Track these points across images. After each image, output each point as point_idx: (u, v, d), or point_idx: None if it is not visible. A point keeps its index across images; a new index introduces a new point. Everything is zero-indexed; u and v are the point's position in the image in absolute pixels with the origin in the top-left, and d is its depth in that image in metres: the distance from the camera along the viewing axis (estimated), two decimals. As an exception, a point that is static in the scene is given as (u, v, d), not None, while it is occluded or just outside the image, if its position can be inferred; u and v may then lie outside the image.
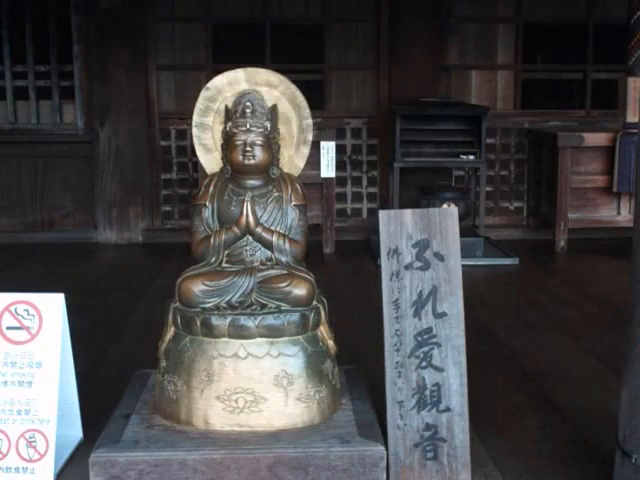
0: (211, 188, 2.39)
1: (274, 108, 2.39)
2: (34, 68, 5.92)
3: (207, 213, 2.38)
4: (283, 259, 2.35)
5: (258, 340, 2.22)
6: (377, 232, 2.14)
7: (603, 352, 3.27)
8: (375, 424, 2.25)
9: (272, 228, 2.36)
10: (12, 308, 2.19)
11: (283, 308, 2.25)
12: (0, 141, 5.88)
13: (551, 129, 5.93)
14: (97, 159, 5.86)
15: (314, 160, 5.15)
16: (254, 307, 2.26)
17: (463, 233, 2.44)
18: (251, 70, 2.42)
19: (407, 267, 2.11)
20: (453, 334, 2.12)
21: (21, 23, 5.85)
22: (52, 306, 2.20)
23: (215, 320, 2.22)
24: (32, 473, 2.15)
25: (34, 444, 2.16)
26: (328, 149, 5.29)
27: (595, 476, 2.20)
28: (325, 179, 5.38)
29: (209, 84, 2.43)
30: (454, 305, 2.12)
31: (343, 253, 5.49)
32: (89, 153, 5.89)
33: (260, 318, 2.22)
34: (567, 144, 5.39)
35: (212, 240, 2.34)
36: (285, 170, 2.45)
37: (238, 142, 2.32)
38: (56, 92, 5.96)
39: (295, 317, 2.25)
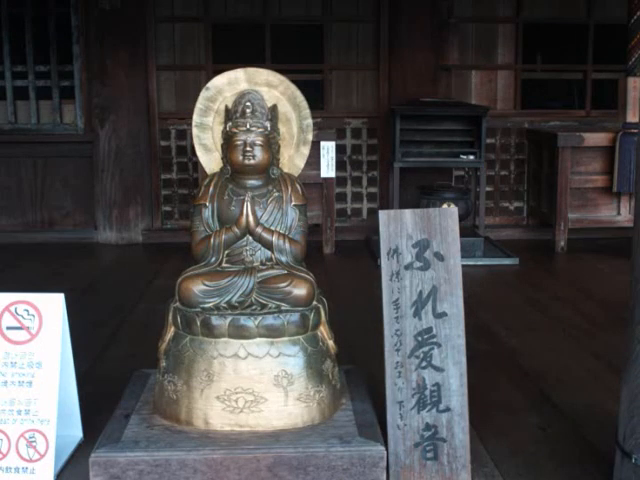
0: (211, 188, 2.39)
1: (274, 108, 2.39)
2: (34, 68, 5.92)
3: (207, 213, 2.38)
4: (283, 259, 2.35)
5: (258, 340, 2.22)
6: (377, 232, 2.14)
7: (603, 352, 3.28)
8: (375, 424, 2.24)
9: (272, 228, 2.36)
10: (12, 308, 2.19)
11: (283, 308, 2.25)
12: (0, 141, 5.88)
13: (551, 129, 5.93)
14: (97, 159, 5.86)
15: (314, 160, 5.15)
16: (254, 307, 2.26)
17: (463, 233, 2.44)
18: (251, 70, 2.42)
19: (407, 267, 2.11)
20: (453, 334, 2.12)
21: (21, 23, 5.85)
22: (52, 306, 2.20)
23: (215, 320, 2.22)
24: (32, 473, 2.15)
25: (34, 444, 2.16)
26: (328, 149, 5.29)
27: (595, 476, 2.20)
28: (325, 179, 5.37)
29: (209, 84, 2.43)
30: (454, 305, 2.12)
31: (343, 253, 5.49)
32: (89, 153, 5.89)
33: (260, 318, 2.22)
34: (567, 144, 5.39)
35: (212, 240, 2.35)
36: (285, 170, 2.45)
37: (238, 142, 2.32)
38: (56, 92, 5.96)
39: (295, 317, 2.25)
